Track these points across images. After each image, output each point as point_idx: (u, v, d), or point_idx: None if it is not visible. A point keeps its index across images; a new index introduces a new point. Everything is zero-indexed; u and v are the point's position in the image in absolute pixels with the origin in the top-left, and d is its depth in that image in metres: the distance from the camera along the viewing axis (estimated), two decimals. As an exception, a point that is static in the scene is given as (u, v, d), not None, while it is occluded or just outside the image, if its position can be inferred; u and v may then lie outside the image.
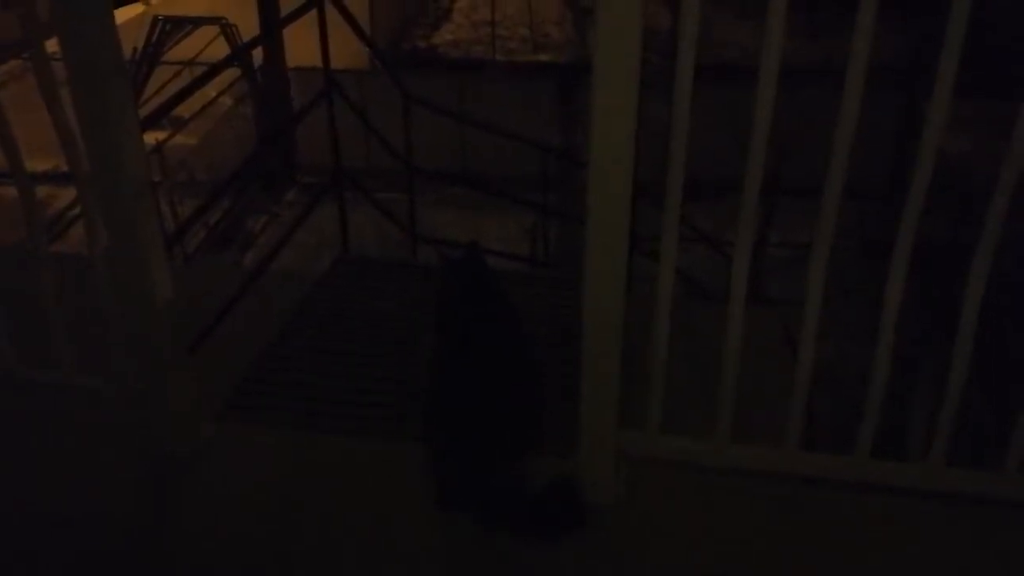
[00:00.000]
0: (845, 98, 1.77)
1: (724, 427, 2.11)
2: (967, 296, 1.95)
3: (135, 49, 6.73)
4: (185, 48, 7.18)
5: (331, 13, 3.51)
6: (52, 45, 2.03)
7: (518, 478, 2.15)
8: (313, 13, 3.43)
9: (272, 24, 4.77)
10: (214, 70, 2.95)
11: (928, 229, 1.95)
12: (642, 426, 2.13)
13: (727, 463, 2.15)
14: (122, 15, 2.74)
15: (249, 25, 5.94)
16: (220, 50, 6.55)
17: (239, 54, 5.06)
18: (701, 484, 2.20)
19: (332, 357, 2.98)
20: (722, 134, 2.73)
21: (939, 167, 1.88)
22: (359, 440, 2.52)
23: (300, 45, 4.37)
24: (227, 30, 6.96)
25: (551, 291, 3.34)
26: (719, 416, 2.11)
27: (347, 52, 4.31)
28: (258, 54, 6.95)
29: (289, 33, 3.61)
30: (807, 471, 2.15)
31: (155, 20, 7.00)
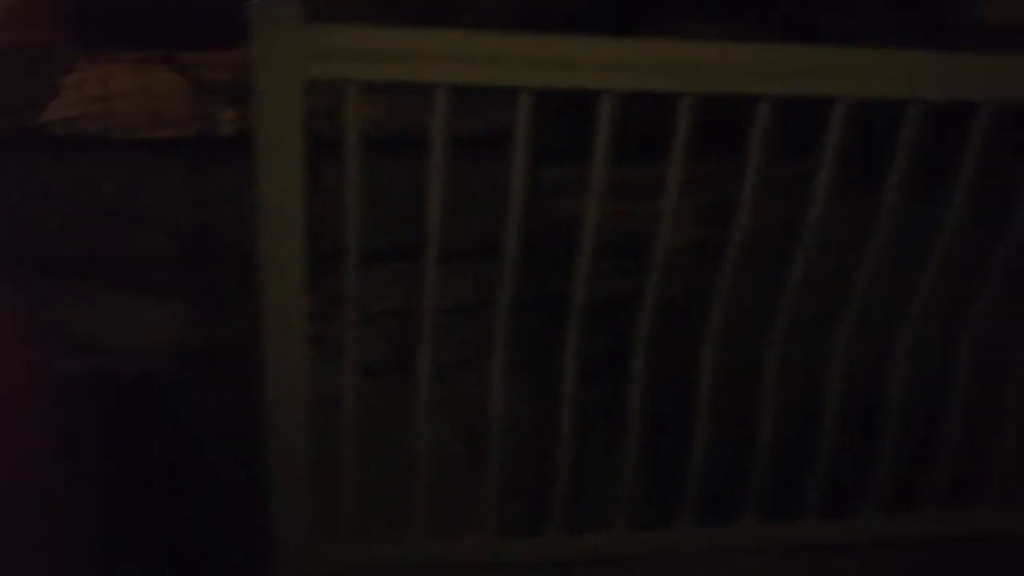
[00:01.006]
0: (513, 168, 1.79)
1: (421, 524, 2.01)
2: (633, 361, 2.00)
3: None
4: None
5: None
6: None
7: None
8: None
9: None
10: None
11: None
12: (339, 533, 1.97)
13: (427, 560, 2.05)
14: None
15: None
16: None
17: None
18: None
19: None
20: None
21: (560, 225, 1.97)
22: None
23: None
24: None
25: (206, 391, 3.06)
26: (413, 514, 2.00)
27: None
28: None
29: None
30: (509, 558, 2.09)
31: None
